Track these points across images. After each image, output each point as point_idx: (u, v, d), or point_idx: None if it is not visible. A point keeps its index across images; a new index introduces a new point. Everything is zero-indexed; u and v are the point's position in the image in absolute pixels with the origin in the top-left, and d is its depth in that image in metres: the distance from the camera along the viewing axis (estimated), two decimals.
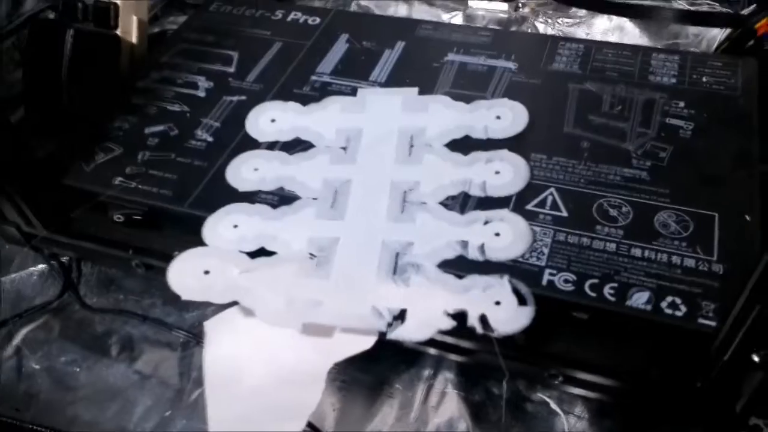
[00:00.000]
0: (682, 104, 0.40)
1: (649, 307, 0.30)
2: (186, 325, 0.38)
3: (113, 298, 0.40)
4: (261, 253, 0.34)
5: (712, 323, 0.29)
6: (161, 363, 0.37)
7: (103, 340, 0.38)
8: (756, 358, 0.25)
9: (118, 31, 0.48)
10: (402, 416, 0.34)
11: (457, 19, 0.61)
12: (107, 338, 0.38)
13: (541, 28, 0.58)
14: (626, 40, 0.55)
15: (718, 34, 0.53)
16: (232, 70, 0.46)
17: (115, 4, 0.47)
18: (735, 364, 0.26)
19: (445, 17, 0.61)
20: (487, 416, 0.33)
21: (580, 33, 0.57)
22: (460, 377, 0.35)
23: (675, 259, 0.32)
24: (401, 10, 0.63)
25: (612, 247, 0.33)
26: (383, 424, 0.34)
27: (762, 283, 0.23)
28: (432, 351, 0.36)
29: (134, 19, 0.49)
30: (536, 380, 0.34)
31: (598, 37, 0.57)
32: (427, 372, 0.35)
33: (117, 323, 0.39)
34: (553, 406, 0.34)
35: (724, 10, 0.52)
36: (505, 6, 0.60)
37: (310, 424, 0.33)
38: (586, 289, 0.31)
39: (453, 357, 0.35)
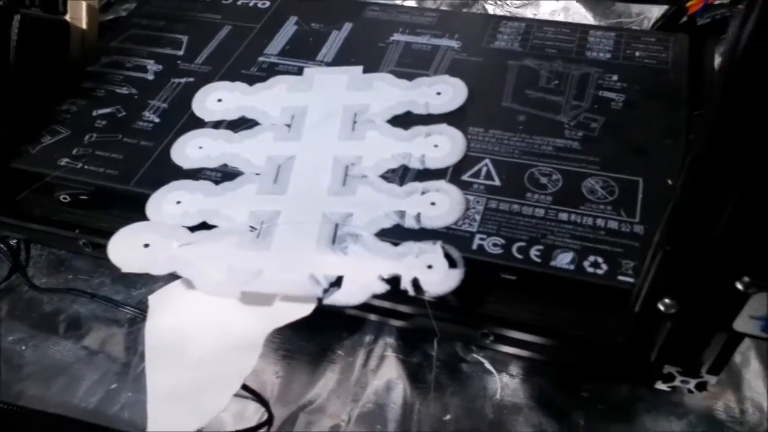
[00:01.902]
0: (615, 78, 0.41)
1: (572, 267, 0.31)
2: (134, 302, 0.39)
3: (63, 278, 0.41)
4: (203, 227, 0.35)
5: (631, 279, 0.31)
6: (108, 339, 0.37)
7: (51, 319, 0.39)
8: (661, 308, 0.26)
9: (67, 17, 0.48)
10: (342, 380, 0.35)
11: (411, 2, 0.62)
12: (55, 317, 0.39)
13: (491, 9, 0.60)
14: (572, 20, 0.57)
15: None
16: (181, 53, 0.47)
17: None
18: (645, 316, 0.27)
19: (400, 1, 0.62)
20: (423, 377, 0.35)
21: (528, 14, 0.59)
22: (400, 341, 0.36)
23: (599, 222, 0.33)
24: None
25: (540, 212, 0.34)
26: (325, 389, 0.35)
27: (667, 230, 0.24)
28: (373, 317, 0.37)
29: (84, 4, 0.49)
30: (470, 341, 0.35)
31: (546, 18, 0.58)
32: (368, 338, 0.37)
33: (65, 302, 0.39)
34: (488, 366, 0.35)
35: None
36: None
37: (253, 392, 0.34)
38: (514, 251, 0.32)
39: (393, 322, 0.37)
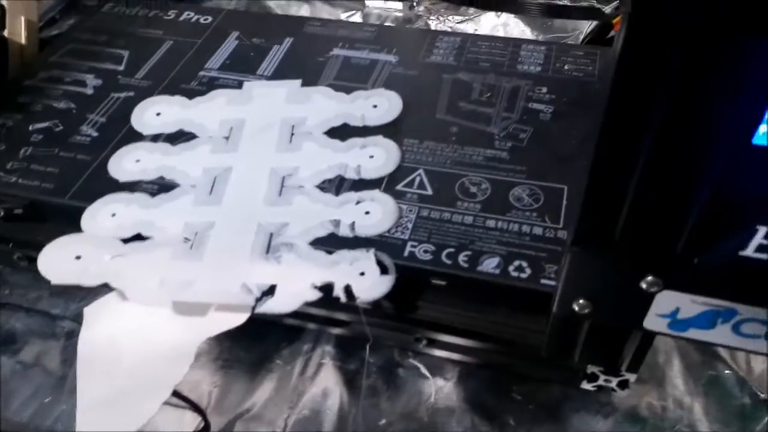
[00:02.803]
0: (544, 90, 0.43)
1: (497, 271, 0.32)
2: (72, 315, 0.39)
3: None
4: (137, 239, 0.35)
5: (554, 283, 0.32)
6: (45, 353, 0.37)
7: None
8: (576, 308, 0.27)
9: (5, 33, 0.48)
10: (280, 388, 0.35)
11: (356, 17, 0.63)
12: None
13: (433, 25, 0.61)
14: (511, 36, 0.59)
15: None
16: (121, 68, 0.47)
17: (2, 6, 0.48)
18: (562, 317, 0.28)
19: (344, 16, 0.63)
20: (360, 383, 0.35)
21: (469, 29, 0.61)
22: (338, 349, 0.37)
23: (525, 228, 0.35)
24: (303, 11, 0.65)
25: (469, 219, 0.35)
26: (262, 397, 0.35)
27: (574, 231, 0.25)
28: (311, 326, 0.37)
29: (22, 20, 0.49)
30: (405, 345, 0.36)
31: (486, 33, 0.60)
32: (306, 346, 0.37)
33: (2, 318, 0.39)
34: (423, 370, 0.36)
35: (585, 4, 0.56)
36: (400, 5, 0.63)
37: (189, 401, 0.34)
38: (443, 257, 0.33)
39: (331, 330, 0.37)
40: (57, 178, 0.39)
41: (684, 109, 0.21)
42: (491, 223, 0.35)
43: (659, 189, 0.23)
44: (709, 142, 0.21)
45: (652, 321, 0.27)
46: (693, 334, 0.26)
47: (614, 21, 0.48)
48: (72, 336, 0.38)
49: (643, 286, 0.25)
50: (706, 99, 0.20)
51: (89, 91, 0.45)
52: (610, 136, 0.22)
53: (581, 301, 0.27)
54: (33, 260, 0.38)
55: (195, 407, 0.34)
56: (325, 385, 0.35)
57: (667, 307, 0.26)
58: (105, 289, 0.34)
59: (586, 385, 0.34)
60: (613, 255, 0.25)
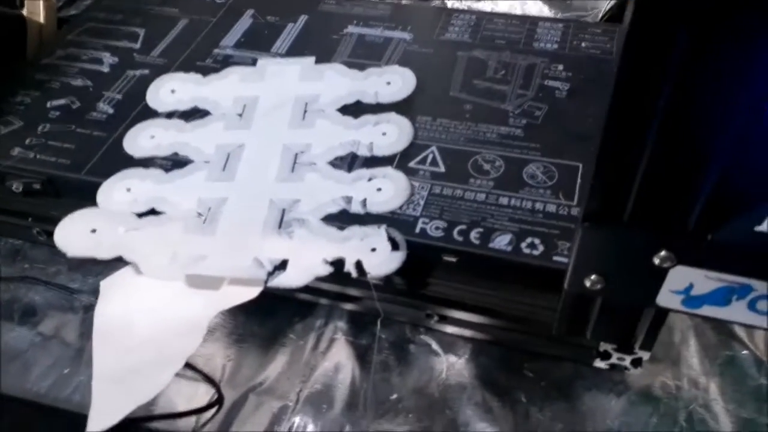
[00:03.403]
0: (561, 67, 0.43)
1: (509, 248, 0.32)
2: (89, 290, 0.39)
3: (19, 267, 0.41)
4: (150, 214, 0.35)
5: (566, 259, 0.32)
6: (63, 325, 0.38)
7: (7, 306, 0.39)
8: (588, 284, 0.27)
9: (24, 12, 0.49)
10: (292, 363, 0.36)
11: None
12: (11, 305, 0.39)
13: (450, 3, 0.60)
14: (529, 14, 0.58)
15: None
16: (137, 46, 0.47)
17: None
18: (574, 293, 0.28)
19: None
20: (371, 359, 0.35)
21: (486, 8, 0.60)
22: (350, 324, 0.37)
23: (538, 206, 0.34)
24: None
25: (482, 197, 0.35)
26: (274, 371, 0.35)
27: (585, 207, 0.25)
28: (324, 301, 0.38)
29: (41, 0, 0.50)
30: (416, 322, 0.36)
31: (504, 12, 0.59)
32: (319, 322, 0.37)
33: (21, 291, 0.40)
34: (435, 347, 0.36)
35: None
36: None
37: (203, 374, 0.34)
38: (455, 234, 0.33)
39: (343, 306, 0.37)
40: (73, 154, 0.39)
41: (695, 85, 0.20)
42: (504, 201, 0.35)
43: (671, 164, 0.22)
44: (721, 118, 0.21)
45: (666, 297, 0.26)
46: (707, 311, 0.26)
47: None
48: (89, 309, 0.38)
49: (656, 261, 0.25)
50: (717, 75, 0.20)
51: (105, 68, 0.45)
52: (622, 110, 0.22)
53: (593, 277, 0.27)
54: (51, 235, 0.38)
55: (209, 380, 0.34)
56: (337, 359, 0.36)
57: (681, 283, 0.26)
58: (121, 263, 0.34)
59: (599, 363, 0.34)
60: (625, 230, 0.25)
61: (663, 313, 0.29)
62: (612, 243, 0.26)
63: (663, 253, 0.25)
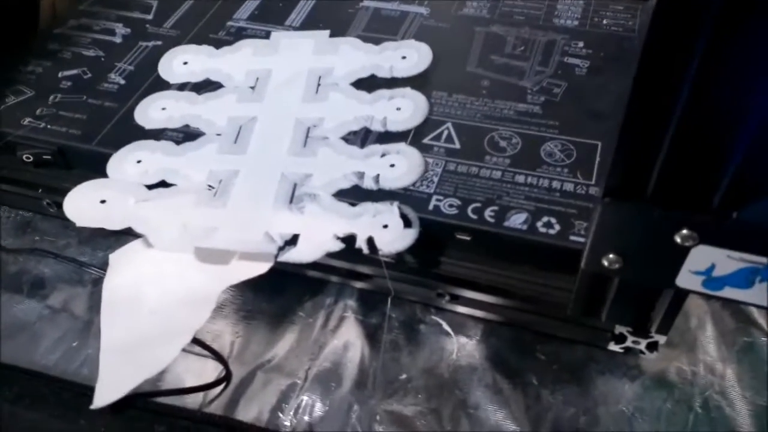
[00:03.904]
0: (581, 44, 0.42)
1: (524, 227, 0.32)
2: (99, 263, 0.39)
3: (29, 239, 0.41)
4: (161, 186, 0.35)
5: (583, 239, 0.31)
6: (72, 298, 0.38)
7: (16, 278, 0.39)
8: (605, 263, 0.26)
9: None
10: (301, 340, 0.35)
11: None
12: (20, 277, 0.39)
13: None
14: None
15: None
16: (150, 17, 0.47)
17: None
18: (591, 273, 0.27)
19: None
20: (381, 338, 0.35)
21: None
22: (360, 303, 0.37)
23: (555, 184, 0.33)
24: None
25: (498, 174, 0.34)
26: (283, 348, 0.35)
27: (606, 182, 0.24)
28: (334, 279, 0.37)
29: None
30: (427, 301, 0.36)
31: None
32: (328, 300, 0.37)
33: (30, 263, 0.40)
34: (445, 327, 0.35)
35: None
36: None
37: (212, 350, 0.34)
38: (469, 212, 0.32)
39: (353, 284, 0.37)
40: (84, 124, 0.39)
41: (723, 61, 0.19)
42: (520, 179, 0.34)
43: (697, 140, 0.22)
44: (749, 93, 0.20)
45: (686, 278, 0.26)
46: (728, 293, 0.25)
47: None
48: (98, 283, 0.38)
49: (678, 239, 0.24)
50: (745, 50, 0.19)
51: (118, 39, 0.45)
52: (646, 84, 0.21)
53: (611, 256, 0.26)
54: (61, 206, 0.38)
55: (218, 356, 0.34)
56: (346, 338, 0.35)
57: (702, 263, 0.25)
58: (130, 237, 0.34)
59: (613, 347, 0.33)
60: (646, 207, 0.24)
61: (682, 295, 0.28)
62: (632, 220, 0.25)
63: (685, 231, 0.24)
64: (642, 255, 0.26)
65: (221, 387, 0.33)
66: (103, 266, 0.38)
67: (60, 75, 0.42)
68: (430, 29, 0.44)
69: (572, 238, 0.31)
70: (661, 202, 0.23)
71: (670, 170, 0.22)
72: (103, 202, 0.34)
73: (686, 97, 0.21)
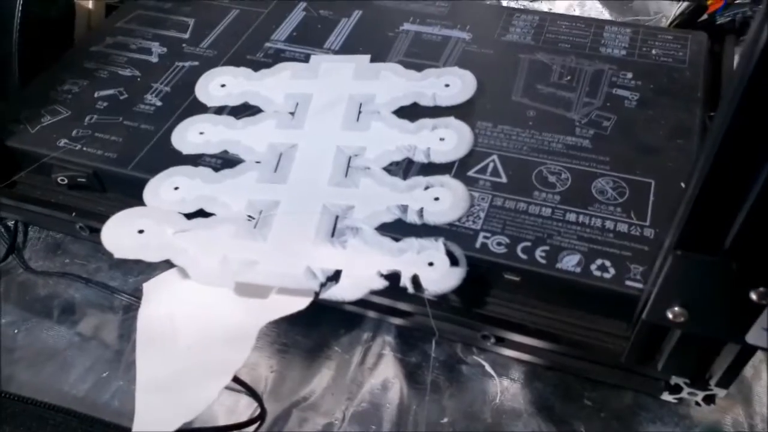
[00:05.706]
0: (629, 75, 0.40)
1: (578, 270, 0.30)
2: (130, 289, 0.38)
3: (59, 262, 0.40)
4: (199, 214, 0.34)
5: (640, 285, 0.29)
6: (102, 326, 0.37)
7: (46, 303, 0.38)
8: (670, 316, 0.25)
9: None
10: (338, 377, 0.34)
11: None
12: (50, 301, 0.38)
13: (505, 2, 0.58)
14: (588, 16, 0.55)
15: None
16: (186, 36, 0.46)
17: None
18: (653, 323, 0.26)
19: None
20: (421, 378, 0.34)
21: (544, 8, 0.57)
22: (399, 340, 0.35)
23: (608, 224, 0.32)
24: None
25: (547, 212, 0.33)
26: (319, 385, 0.34)
27: (678, 233, 0.23)
28: (372, 314, 0.36)
29: None
30: (470, 342, 0.34)
31: (561, 13, 0.56)
32: (366, 335, 0.36)
33: (61, 287, 0.39)
34: (488, 368, 0.34)
35: None
36: None
37: (246, 386, 0.33)
38: (518, 251, 0.31)
39: (392, 320, 0.36)
40: (120, 147, 0.38)
41: None
42: (571, 217, 0.33)
43: None
44: None
45: (757, 334, 0.24)
46: None
47: (708, 3, 0.44)
48: (129, 310, 0.37)
49: (754, 296, 0.23)
50: None
51: (154, 59, 0.44)
52: (735, 134, 0.20)
53: (677, 309, 0.25)
54: (94, 230, 0.37)
55: (252, 393, 0.33)
56: (384, 377, 0.34)
57: None
58: (163, 264, 0.33)
59: (666, 396, 0.32)
60: (723, 262, 0.22)
61: (750, 350, 0.27)
62: (704, 274, 0.23)
63: (762, 289, 0.23)
64: (711, 309, 0.24)
65: (255, 426, 0.32)
66: (135, 292, 0.38)
67: (96, 95, 0.41)
68: (473, 55, 0.43)
69: (628, 282, 0.30)
70: (738, 259, 0.22)
71: (751, 227, 0.21)
72: (141, 232, 0.33)
73: None
